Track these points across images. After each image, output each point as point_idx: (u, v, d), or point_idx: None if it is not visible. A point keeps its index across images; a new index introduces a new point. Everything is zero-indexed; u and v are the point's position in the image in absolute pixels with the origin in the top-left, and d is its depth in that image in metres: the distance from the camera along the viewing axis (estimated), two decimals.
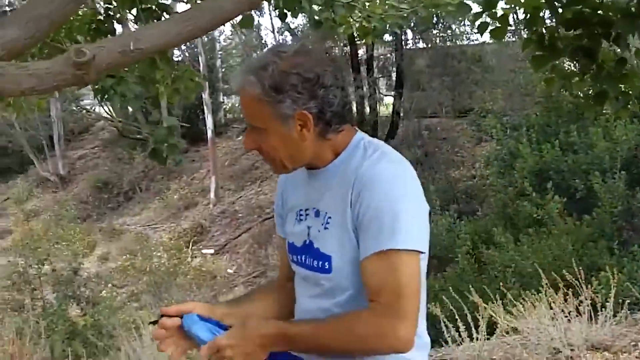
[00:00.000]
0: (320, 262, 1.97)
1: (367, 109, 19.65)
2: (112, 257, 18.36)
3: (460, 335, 5.58)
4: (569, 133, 10.95)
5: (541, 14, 3.71)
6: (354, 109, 19.53)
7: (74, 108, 26.01)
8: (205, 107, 21.45)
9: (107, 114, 24.69)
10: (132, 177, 22.05)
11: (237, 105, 27.11)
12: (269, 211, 18.85)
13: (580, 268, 5.97)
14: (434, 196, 11.69)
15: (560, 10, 3.44)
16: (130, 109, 24.09)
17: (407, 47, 19.62)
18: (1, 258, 16.88)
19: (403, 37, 19.01)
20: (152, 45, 2.36)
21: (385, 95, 21.04)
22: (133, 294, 13.76)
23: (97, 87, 4.81)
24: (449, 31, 18.76)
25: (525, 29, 3.84)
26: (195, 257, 17.36)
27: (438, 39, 18.88)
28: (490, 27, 3.89)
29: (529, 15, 3.62)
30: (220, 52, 25.96)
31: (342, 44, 20.08)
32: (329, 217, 1.95)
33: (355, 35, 8.03)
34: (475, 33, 19.88)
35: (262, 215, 18.92)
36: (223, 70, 25.91)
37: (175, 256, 13.86)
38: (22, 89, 2.30)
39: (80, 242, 14.46)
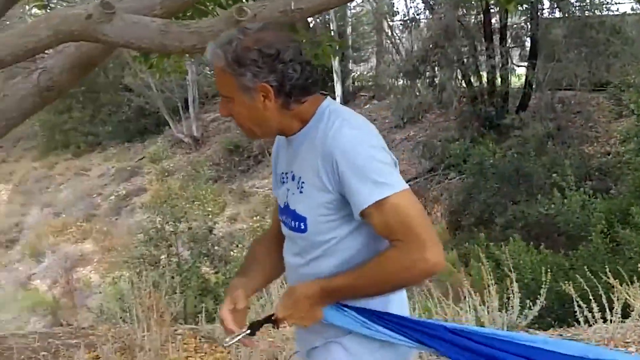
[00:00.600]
0: (297, 223, 2.18)
1: (498, 80, 19.16)
2: (240, 218, 18.80)
3: (593, 316, 5.46)
4: None
5: None
6: (484, 79, 19.17)
7: (209, 72, 26.60)
8: (334, 75, 21.49)
9: None
10: (261, 142, 22.35)
11: (365, 73, 27.07)
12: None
13: None
14: (569, 171, 11.32)
15: None
16: None
17: (543, 16, 18.95)
18: (139, 214, 17.64)
19: (539, 6, 18.41)
20: (312, 6, 2.39)
21: (518, 66, 20.44)
22: None
23: None
24: (587, 0, 18.00)
25: None
26: None
27: (576, 8, 18.13)
28: None
29: None
30: (350, 19, 25.87)
31: (475, 12, 19.68)
32: (303, 182, 2.15)
33: (495, 1, 7.83)
34: (616, 3, 19.22)
35: None
36: (353, 37, 25.83)
37: None
38: (183, 46, 2.40)
39: (212, 202, 14.85)
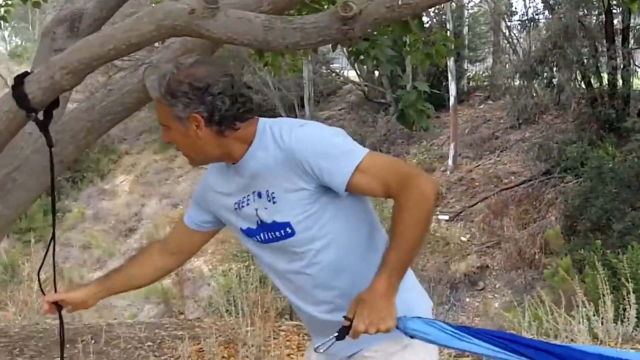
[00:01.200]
0: (282, 231, 2.28)
1: (620, 82, 18.54)
2: None
3: None
4: None
5: None
6: (605, 80, 18.56)
7: (324, 71, 26.85)
8: (449, 74, 21.26)
9: (357, 77, 25.23)
10: (374, 140, 22.42)
11: (481, 73, 26.69)
12: (506, 181, 18.49)
13: None
14: None
15: None
16: (376, 73, 24.62)
17: None
18: None
19: None
20: (421, 1, 2.33)
21: None
22: None
23: (351, 49, 4.92)
24: None
25: None
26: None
27: None
28: None
29: None
30: (467, 19, 25.57)
31: (596, 12, 19.10)
32: (272, 193, 2.26)
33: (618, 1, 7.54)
34: None
35: (499, 185, 18.57)
36: (469, 37, 25.52)
37: None
38: (287, 42, 2.40)
39: None
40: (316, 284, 2.33)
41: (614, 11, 18.10)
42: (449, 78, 21.25)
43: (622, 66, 18.35)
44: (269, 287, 7.04)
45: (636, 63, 19.17)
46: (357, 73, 25.45)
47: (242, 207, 2.36)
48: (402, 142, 22.52)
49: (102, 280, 2.68)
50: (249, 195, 2.33)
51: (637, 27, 19.22)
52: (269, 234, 2.32)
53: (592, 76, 18.84)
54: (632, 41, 18.81)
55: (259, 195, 2.30)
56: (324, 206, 2.25)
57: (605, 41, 18.22)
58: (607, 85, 18.64)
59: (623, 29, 18.45)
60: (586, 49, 18.63)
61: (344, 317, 2.14)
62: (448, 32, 20.77)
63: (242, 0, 2.77)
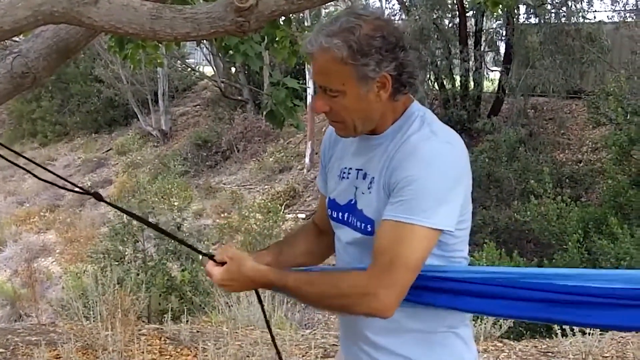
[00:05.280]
0: (364, 224, 2.04)
1: (472, 83, 19.22)
2: (206, 214, 18.65)
3: (572, 329, 5.39)
4: None
5: None
6: (457, 82, 19.18)
7: (179, 65, 26.44)
8: (306, 72, 21.34)
9: (213, 72, 24.98)
10: (230, 137, 22.24)
11: None
12: None
13: None
14: (547, 178, 11.24)
15: None
16: (233, 70, 24.40)
17: (518, 22, 18.99)
18: (103, 207, 17.40)
19: (515, 12, 18.45)
20: None
21: (492, 71, 20.51)
22: None
23: (221, 44, 4.77)
24: (564, 8, 18.05)
25: None
26: (287, 220, 17.45)
27: (552, 15, 18.18)
28: None
29: None
30: (324, 18, 25.77)
31: (450, 15, 19.68)
32: (372, 179, 2.03)
33: (480, 4, 7.73)
34: (593, 12, 19.27)
35: None
36: None
37: (271, 218, 13.88)
38: (175, 33, 2.19)
39: (179, 197, 14.66)
40: None
41: (467, 14, 18.71)
42: (307, 75, 21.35)
43: (474, 69, 19.01)
44: (128, 289, 6.82)
45: (487, 66, 19.91)
46: (213, 69, 25.18)
47: (344, 177, 2.13)
48: (259, 140, 22.40)
49: (274, 251, 2.33)
50: (351, 169, 2.11)
51: (490, 30, 19.96)
52: (352, 218, 2.10)
53: (446, 78, 19.41)
54: (484, 44, 19.52)
55: (364, 176, 2.07)
56: None
57: (458, 43, 18.81)
58: (459, 87, 19.26)
59: (476, 32, 19.12)
60: (440, 51, 19.16)
61: (212, 256, 2.11)
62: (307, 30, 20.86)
63: None
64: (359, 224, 2.06)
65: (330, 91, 1.97)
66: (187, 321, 6.34)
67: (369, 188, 2.04)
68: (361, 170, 2.08)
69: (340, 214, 2.13)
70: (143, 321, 7.33)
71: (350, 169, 2.11)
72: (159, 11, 2.13)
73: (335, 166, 2.19)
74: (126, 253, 9.88)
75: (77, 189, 2.44)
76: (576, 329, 5.28)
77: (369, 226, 2.03)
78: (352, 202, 2.08)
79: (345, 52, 1.91)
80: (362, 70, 1.92)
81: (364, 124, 2.02)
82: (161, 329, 6.33)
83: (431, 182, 1.90)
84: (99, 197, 2.35)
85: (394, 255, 1.90)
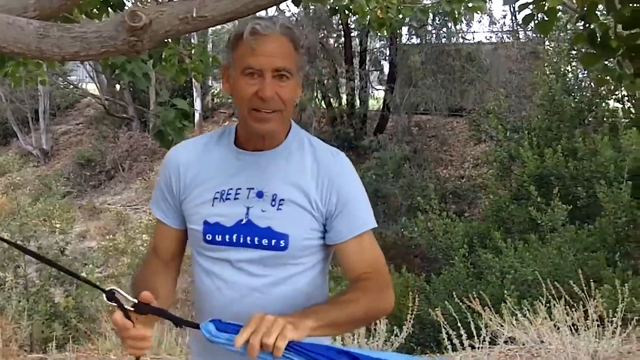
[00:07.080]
0: (274, 240, 2.03)
1: (358, 102, 19.54)
2: (90, 236, 18.12)
3: (461, 343, 5.47)
4: (571, 138, 10.79)
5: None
6: (344, 100, 19.45)
7: (61, 83, 25.65)
8: (194, 90, 21.17)
9: (97, 90, 24.42)
10: (115, 156, 21.75)
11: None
12: None
13: (581, 279, 5.87)
14: (433, 194, 11.49)
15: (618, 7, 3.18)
16: (117, 87, 23.91)
17: (401, 42, 19.47)
18: None
19: (398, 32, 18.89)
20: (217, 15, 2.15)
21: (377, 89, 20.91)
22: (112, 275, 13.46)
23: (109, 62, 4.65)
24: (444, 29, 18.61)
25: (579, 24, 3.58)
26: None
27: (433, 35, 18.73)
28: (536, 21, 3.63)
29: (585, 9, 3.34)
30: (212, 36, 25.64)
31: (336, 35, 19.96)
32: (281, 200, 2.04)
33: (365, 25, 7.86)
34: (472, 32, 19.87)
35: None
36: (214, 53, 25.55)
37: None
38: (63, 53, 2.08)
39: (59, 219, 14.16)
40: (264, 306, 1.94)
41: (353, 34, 19.00)
42: (194, 94, 21.17)
43: (359, 87, 19.32)
44: (9, 317, 6.52)
45: (372, 85, 20.26)
46: (97, 86, 24.61)
47: (227, 199, 2.07)
48: (146, 158, 22.02)
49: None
50: (240, 189, 2.07)
51: (374, 49, 20.34)
52: (252, 238, 2.04)
53: (332, 96, 19.65)
54: (368, 63, 19.89)
55: (259, 195, 2.06)
56: (318, 249, 2.11)
57: (344, 63, 19.08)
58: (346, 105, 19.53)
59: (361, 52, 19.47)
60: (327, 70, 19.38)
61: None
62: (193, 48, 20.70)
63: (6, 4, 2.42)
64: (266, 241, 2.04)
65: (286, 72, 2.00)
66: (72, 349, 6.12)
67: (274, 206, 2.04)
68: (253, 189, 2.06)
69: (227, 236, 2.07)
70: (25, 350, 7.04)
71: (239, 189, 2.07)
72: (46, 30, 2.03)
73: (201, 191, 2.11)
74: (7, 279, 9.46)
75: None
76: (466, 342, 5.38)
77: (282, 241, 2.04)
78: (243, 221, 2.05)
79: (301, 41, 2.06)
80: (303, 62, 2.08)
81: (288, 117, 2.09)
82: (45, 358, 6.15)
83: (361, 191, 2.12)
84: None
85: (373, 261, 2.08)
